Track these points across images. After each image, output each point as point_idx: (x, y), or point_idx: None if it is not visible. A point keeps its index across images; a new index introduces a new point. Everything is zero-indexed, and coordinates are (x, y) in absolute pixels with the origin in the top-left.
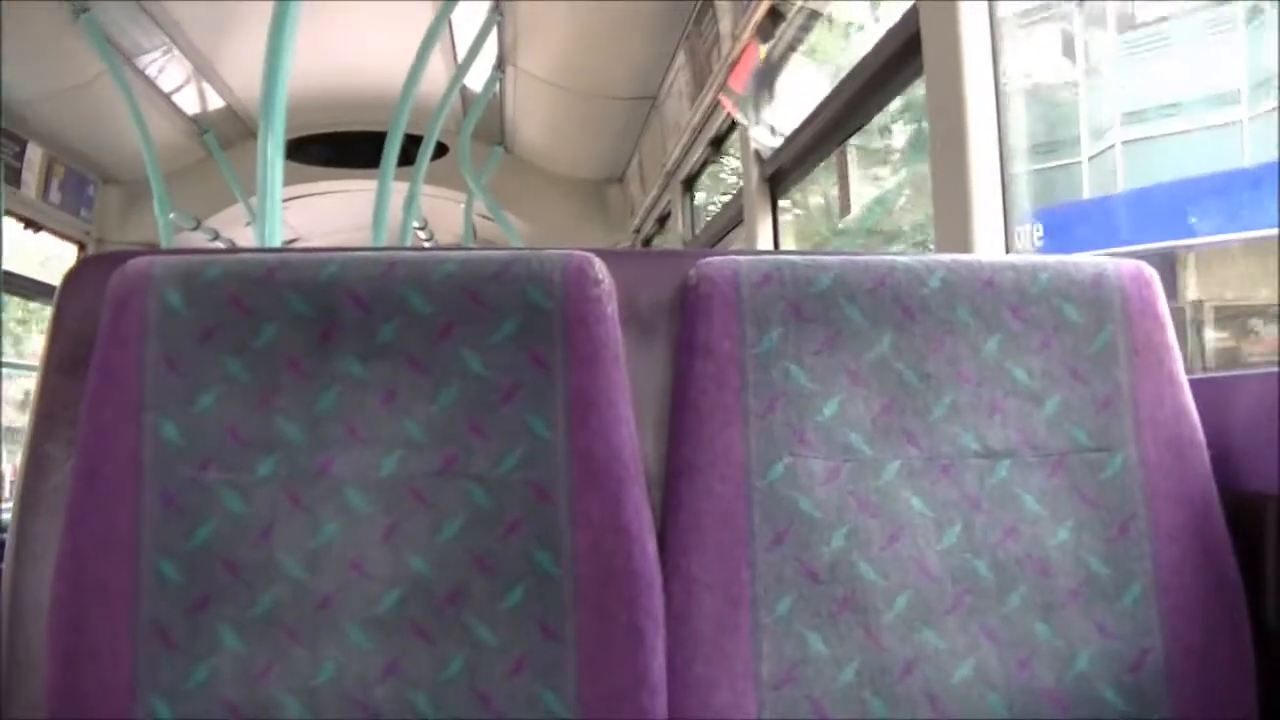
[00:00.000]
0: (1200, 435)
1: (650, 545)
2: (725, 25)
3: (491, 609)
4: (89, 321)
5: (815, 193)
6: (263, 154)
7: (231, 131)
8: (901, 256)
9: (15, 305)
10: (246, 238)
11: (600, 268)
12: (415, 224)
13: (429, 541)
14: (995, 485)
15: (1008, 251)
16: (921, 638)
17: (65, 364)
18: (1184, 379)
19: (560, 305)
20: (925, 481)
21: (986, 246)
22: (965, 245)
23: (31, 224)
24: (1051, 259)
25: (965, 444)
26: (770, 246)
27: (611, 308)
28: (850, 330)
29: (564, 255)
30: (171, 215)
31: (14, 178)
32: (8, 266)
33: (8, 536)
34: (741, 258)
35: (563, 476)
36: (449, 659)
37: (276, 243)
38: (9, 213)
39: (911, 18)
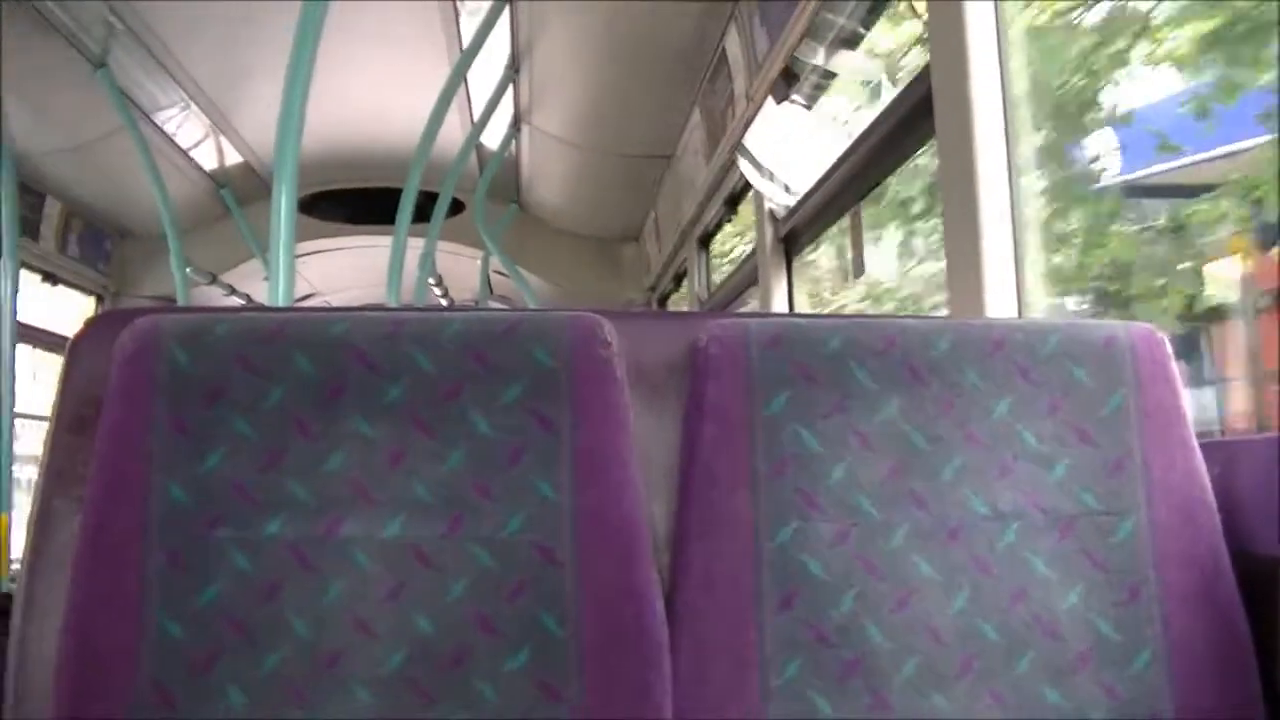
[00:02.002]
0: (1211, 498)
1: (658, 607)
2: (739, 85)
3: (495, 671)
4: (98, 379)
5: None
6: (276, 208)
7: (248, 187)
8: (910, 319)
9: None
10: (263, 292)
11: (608, 329)
12: (430, 280)
13: (435, 603)
14: (1004, 549)
15: (1020, 315)
16: (930, 703)
17: (74, 422)
18: (1194, 442)
19: (567, 366)
20: (934, 545)
21: (999, 310)
22: (978, 309)
23: (50, 277)
24: (1062, 321)
25: (974, 507)
26: (785, 307)
27: (620, 369)
28: (859, 393)
29: (571, 316)
30: (188, 270)
31: (32, 231)
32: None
33: (16, 592)
34: (751, 320)
35: (568, 538)
36: None
37: (289, 298)
38: (27, 266)
39: (924, 78)
